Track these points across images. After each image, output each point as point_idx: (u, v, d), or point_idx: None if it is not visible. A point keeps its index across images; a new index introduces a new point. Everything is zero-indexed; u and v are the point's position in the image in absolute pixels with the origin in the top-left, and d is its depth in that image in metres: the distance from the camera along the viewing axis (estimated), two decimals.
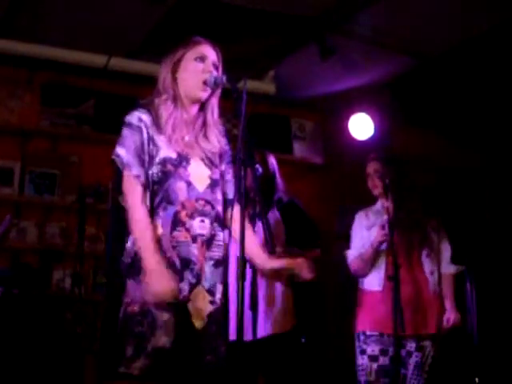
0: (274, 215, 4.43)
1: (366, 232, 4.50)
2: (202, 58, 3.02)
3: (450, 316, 4.36)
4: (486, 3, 4.72)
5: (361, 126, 6.17)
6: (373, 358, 4.28)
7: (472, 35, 5.15)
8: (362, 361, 4.31)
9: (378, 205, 4.59)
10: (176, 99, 3.01)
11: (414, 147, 6.35)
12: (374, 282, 4.40)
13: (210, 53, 3.05)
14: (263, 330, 4.17)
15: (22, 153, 5.71)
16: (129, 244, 2.89)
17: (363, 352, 4.32)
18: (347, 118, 6.20)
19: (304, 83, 6.09)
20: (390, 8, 4.82)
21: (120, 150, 2.92)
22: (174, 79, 3.03)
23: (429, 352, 4.27)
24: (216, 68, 3.03)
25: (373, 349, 4.29)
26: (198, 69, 3.00)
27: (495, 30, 5.04)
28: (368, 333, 4.33)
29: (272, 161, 4.55)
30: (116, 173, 2.97)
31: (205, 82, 2.97)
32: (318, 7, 4.86)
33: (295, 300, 4.46)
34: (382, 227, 4.23)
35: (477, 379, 5.11)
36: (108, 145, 5.96)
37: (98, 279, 5.68)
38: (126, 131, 2.94)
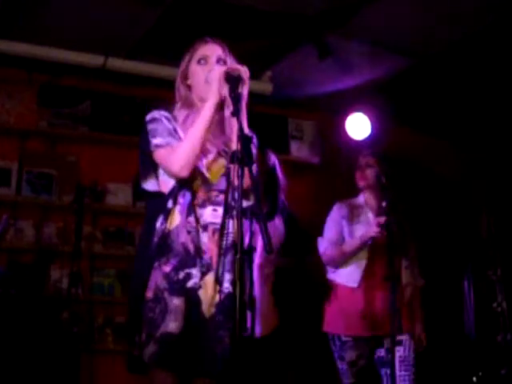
0: (276, 223, 4.47)
1: (346, 224, 4.49)
2: (205, 59, 3.09)
3: (421, 336, 4.38)
4: (482, 2, 4.73)
5: (358, 126, 6.17)
6: (352, 364, 4.32)
7: (468, 34, 5.16)
8: (342, 366, 4.36)
9: (360, 199, 4.59)
10: (191, 105, 3.08)
11: (410, 147, 6.36)
12: (350, 277, 4.37)
13: (214, 50, 3.11)
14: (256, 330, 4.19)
15: (19, 153, 5.71)
16: (158, 224, 2.92)
17: (342, 358, 4.35)
18: (344, 118, 6.20)
19: (301, 83, 6.09)
20: (386, 8, 4.82)
21: (156, 140, 2.95)
22: (187, 86, 3.12)
23: (409, 345, 4.27)
24: (224, 62, 3.08)
25: (351, 355, 4.32)
26: (203, 71, 3.06)
27: (492, 28, 5.05)
28: (343, 338, 4.33)
29: (272, 158, 4.58)
30: (141, 159, 3.00)
31: (206, 81, 3.00)
32: (315, 7, 4.87)
33: (281, 301, 4.49)
34: (378, 224, 4.22)
35: (474, 378, 5.11)
36: (105, 144, 6.03)
37: (94, 279, 5.69)
38: (152, 125, 3.00)
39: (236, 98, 2.83)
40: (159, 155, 2.94)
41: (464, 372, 5.34)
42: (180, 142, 2.93)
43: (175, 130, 2.99)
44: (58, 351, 4.82)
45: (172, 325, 2.78)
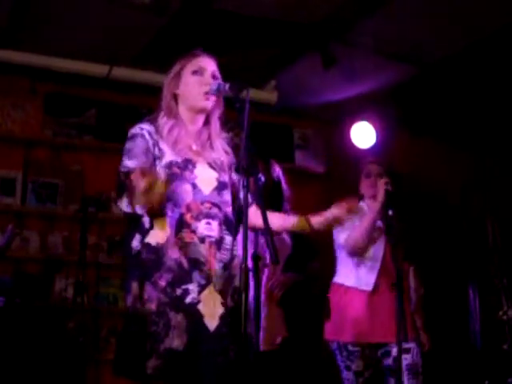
0: (282, 235, 4.45)
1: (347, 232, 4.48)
2: (201, 71, 3.07)
3: (425, 342, 4.38)
4: (487, 9, 4.73)
5: (363, 135, 6.17)
6: (358, 374, 4.26)
7: (473, 41, 5.16)
8: (348, 376, 4.30)
9: (362, 205, 4.57)
10: (176, 116, 3.07)
11: (415, 155, 6.35)
12: (363, 280, 4.34)
13: (209, 64, 3.11)
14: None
15: (24, 162, 5.72)
16: (134, 242, 2.92)
17: (348, 368, 4.29)
18: (349, 127, 6.20)
19: (306, 92, 6.09)
20: (390, 16, 4.83)
21: (127, 162, 2.92)
22: (175, 96, 3.10)
23: (416, 352, 4.25)
24: (216, 78, 3.08)
25: (357, 365, 4.25)
26: (197, 82, 3.05)
27: (497, 35, 5.05)
28: (350, 348, 4.25)
29: (277, 168, 4.56)
30: (117, 182, 2.98)
31: (207, 93, 3.02)
32: (319, 16, 4.87)
33: (290, 313, 4.46)
34: (384, 184, 4.24)
35: None
36: (110, 154, 6.05)
37: (100, 288, 5.68)
38: (129, 144, 2.98)
39: (240, 108, 2.82)
40: (132, 179, 2.84)
41: (470, 381, 5.33)
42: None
43: (155, 144, 2.96)
44: (63, 361, 4.82)
45: (177, 341, 2.76)
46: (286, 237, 4.48)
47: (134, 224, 2.96)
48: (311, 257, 4.62)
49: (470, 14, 4.78)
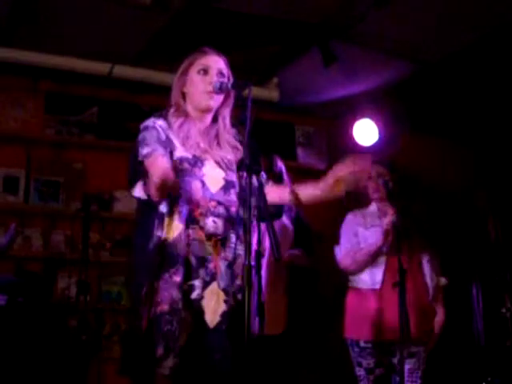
0: (284, 221, 4.47)
1: (361, 230, 4.45)
2: (205, 70, 3.09)
3: (438, 319, 4.37)
4: (487, 8, 4.72)
5: (365, 132, 6.16)
6: (369, 371, 4.27)
7: (474, 39, 5.15)
8: (359, 372, 4.31)
9: (373, 207, 4.55)
10: (184, 112, 3.09)
11: (418, 152, 6.35)
12: (371, 280, 4.34)
13: (215, 61, 3.11)
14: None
15: (26, 161, 5.72)
16: (155, 230, 2.91)
17: (359, 364, 4.30)
18: (351, 124, 6.20)
19: (308, 89, 6.09)
20: (392, 14, 4.82)
21: (142, 150, 2.93)
22: (182, 94, 3.13)
23: (423, 358, 4.24)
24: (223, 75, 3.08)
25: (368, 362, 4.26)
26: (202, 81, 3.07)
27: (497, 34, 5.05)
28: (362, 344, 4.27)
29: (279, 163, 4.58)
30: (130, 165, 3.00)
31: (210, 92, 3.03)
32: (321, 14, 4.87)
33: (292, 305, 4.47)
34: (385, 233, 4.20)
35: None
36: (112, 152, 6.04)
37: (102, 287, 5.69)
38: (143, 134, 2.99)
39: (243, 105, 2.83)
40: (147, 164, 2.91)
41: (473, 377, 5.33)
42: (162, 153, 2.91)
43: (168, 138, 2.98)
44: (66, 359, 4.82)
45: (183, 337, 2.77)
46: (287, 222, 4.50)
47: (149, 210, 2.96)
48: (309, 251, 4.64)
49: (471, 11, 4.77)
